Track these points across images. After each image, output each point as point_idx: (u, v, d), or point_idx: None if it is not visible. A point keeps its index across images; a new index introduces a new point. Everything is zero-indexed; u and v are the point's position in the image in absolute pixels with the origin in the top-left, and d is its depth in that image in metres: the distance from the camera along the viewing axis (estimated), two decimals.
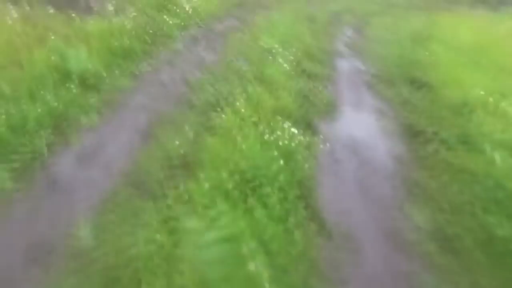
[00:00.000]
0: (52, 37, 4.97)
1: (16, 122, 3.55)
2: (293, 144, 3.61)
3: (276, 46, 6.61)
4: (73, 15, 5.84)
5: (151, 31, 6.18)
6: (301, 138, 3.74)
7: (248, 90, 4.79)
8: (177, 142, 3.67)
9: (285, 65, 5.87)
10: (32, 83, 4.13)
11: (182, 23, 7.06)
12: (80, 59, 4.59)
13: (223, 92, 4.79)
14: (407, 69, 6.62)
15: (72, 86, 4.31)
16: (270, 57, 6.03)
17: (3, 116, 3.54)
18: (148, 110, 4.33)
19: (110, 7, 6.23)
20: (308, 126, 4.35)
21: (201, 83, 5.10)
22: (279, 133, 3.69)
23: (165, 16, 6.91)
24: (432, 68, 6.51)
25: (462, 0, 14.39)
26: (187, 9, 7.53)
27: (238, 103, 4.41)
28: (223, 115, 4.10)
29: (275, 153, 3.45)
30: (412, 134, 4.72)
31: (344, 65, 6.75)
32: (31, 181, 3.09)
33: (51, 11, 5.71)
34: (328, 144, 3.96)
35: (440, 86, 5.91)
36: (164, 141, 3.70)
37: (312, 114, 4.67)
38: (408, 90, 5.92)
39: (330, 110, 4.98)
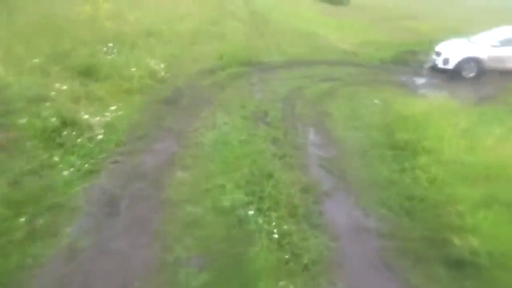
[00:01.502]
0: None
1: None
2: None
3: (244, 200, 4.02)
4: None
5: (23, 218, 3.12)
6: None
7: None
8: None
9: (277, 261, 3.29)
10: None
11: (87, 164, 4.09)
12: None
13: None
14: (421, 219, 4.42)
15: None
16: (250, 246, 3.39)
17: None
18: None
19: None
20: None
21: None
22: None
23: (56, 158, 3.89)
24: (454, 217, 4.43)
25: (398, 69, 13.37)
26: (96, 131, 4.57)
27: None
28: None
29: None
30: None
31: (338, 218, 4.35)
32: None
33: None
34: None
35: (491, 267, 3.81)
36: None
37: None
38: (447, 274, 3.71)
39: None
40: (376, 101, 8.69)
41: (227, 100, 7.25)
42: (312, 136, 6.45)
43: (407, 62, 14.76)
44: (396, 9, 26.95)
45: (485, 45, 12.50)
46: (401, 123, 6.90)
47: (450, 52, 12.90)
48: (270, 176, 4.63)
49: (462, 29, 20.26)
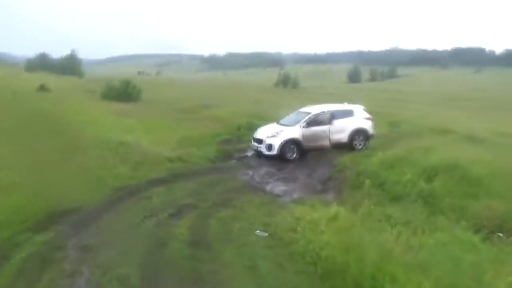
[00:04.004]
0: None
1: None
2: None
3: None
4: None
5: None
6: None
7: None
8: None
9: None
10: None
11: None
12: None
13: None
14: None
15: None
16: None
17: None
18: None
19: None
20: None
21: None
22: None
23: None
24: None
25: (230, 166, 11.27)
26: None
27: None
28: None
29: None
30: None
31: None
32: None
33: None
34: None
35: None
36: None
37: None
38: None
39: None
40: (257, 232, 6.03)
41: None
42: None
43: (231, 154, 13.11)
44: (187, 100, 26.18)
45: (297, 127, 12.11)
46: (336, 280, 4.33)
47: (271, 138, 11.97)
48: None
49: (258, 112, 20.72)
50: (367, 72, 53.80)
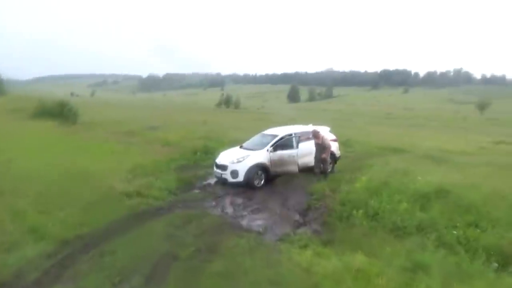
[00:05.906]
0: None
1: None
2: None
3: None
4: None
5: None
6: None
7: None
8: None
9: None
10: None
11: None
12: None
13: None
14: None
15: None
16: None
17: None
18: None
19: None
20: None
21: None
22: None
23: None
24: None
25: (195, 198, 9.41)
26: None
27: None
28: None
29: None
30: None
31: None
32: None
33: None
34: None
35: None
36: None
37: None
38: None
39: None
40: None
41: None
42: None
43: (192, 183, 11.25)
44: (129, 122, 23.50)
45: (263, 151, 10.85)
46: None
47: (236, 164, 10.51)
48: None
49: (208, 133, 19.00)
50: (306, 93, 55.49)
